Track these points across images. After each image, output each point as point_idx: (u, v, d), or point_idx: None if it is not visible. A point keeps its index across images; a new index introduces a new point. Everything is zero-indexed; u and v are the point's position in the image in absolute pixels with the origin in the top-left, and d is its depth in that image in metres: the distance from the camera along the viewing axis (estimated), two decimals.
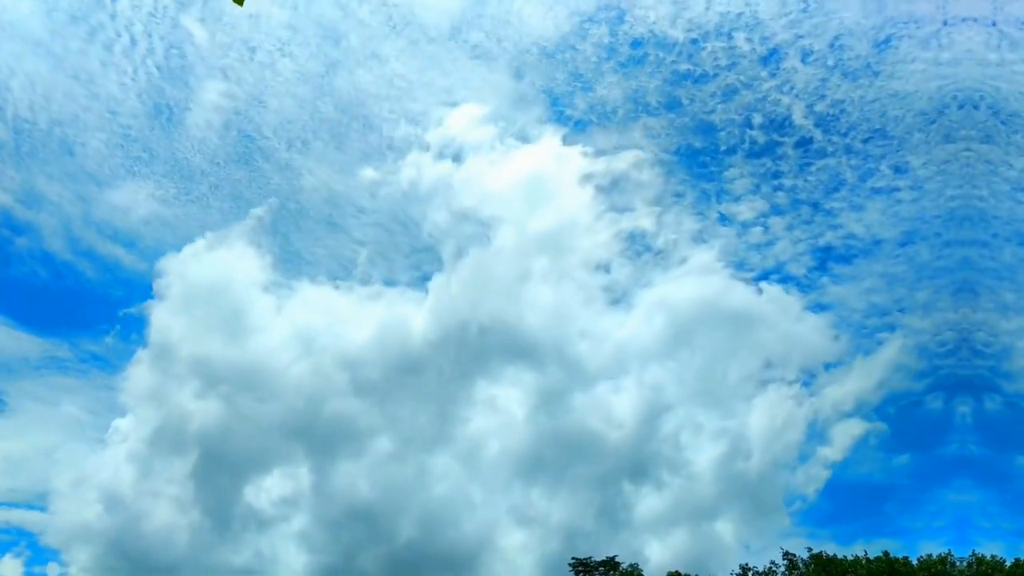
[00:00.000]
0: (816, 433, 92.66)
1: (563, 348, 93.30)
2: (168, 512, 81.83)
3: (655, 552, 75.87)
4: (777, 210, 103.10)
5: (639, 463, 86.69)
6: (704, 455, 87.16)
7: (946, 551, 59.13)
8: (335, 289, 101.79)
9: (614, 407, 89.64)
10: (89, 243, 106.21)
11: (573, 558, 65.18)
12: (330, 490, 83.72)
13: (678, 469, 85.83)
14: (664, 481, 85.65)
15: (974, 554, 58.75)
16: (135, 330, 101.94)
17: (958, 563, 58.64)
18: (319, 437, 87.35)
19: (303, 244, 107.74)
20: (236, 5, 5.81)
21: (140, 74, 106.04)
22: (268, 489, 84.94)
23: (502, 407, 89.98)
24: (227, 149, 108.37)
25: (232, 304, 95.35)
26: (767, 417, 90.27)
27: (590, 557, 64.62)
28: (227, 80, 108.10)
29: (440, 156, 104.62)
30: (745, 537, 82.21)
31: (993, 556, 58.31)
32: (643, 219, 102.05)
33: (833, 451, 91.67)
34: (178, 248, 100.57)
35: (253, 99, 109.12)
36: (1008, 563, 57.18)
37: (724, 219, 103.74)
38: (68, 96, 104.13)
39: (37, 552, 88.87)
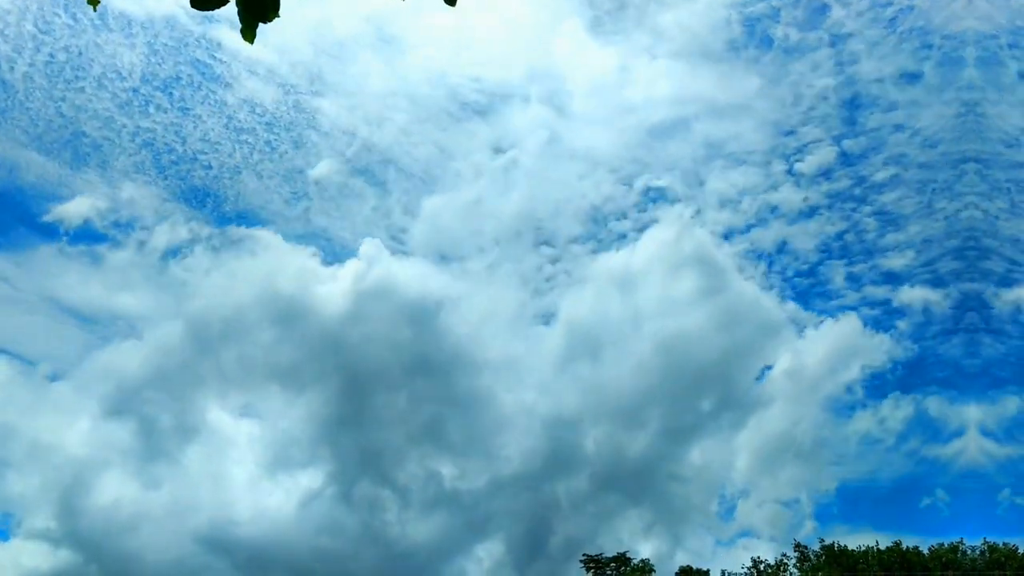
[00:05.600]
0: None
1: None
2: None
3: None
4: None
5: None
6: None
7: (958, 539, 58.73)
8: None
9: None
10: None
11: (584, 554, 65.36)
12: None
13: None
14: None
15: (986, 542, 58.27)
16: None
17: (969, 552, 58.16)
18: None
19: None
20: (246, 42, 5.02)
21: None
22: None
23: None
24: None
25: None
26: None
27: (601, 553, 64.70)
28: None
29: None
30: None
31: (1005, 543, 57.88)
32: None
33: None
34: None
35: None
36: (1021, 550, 56.68)
37: None
38: None
39: None
